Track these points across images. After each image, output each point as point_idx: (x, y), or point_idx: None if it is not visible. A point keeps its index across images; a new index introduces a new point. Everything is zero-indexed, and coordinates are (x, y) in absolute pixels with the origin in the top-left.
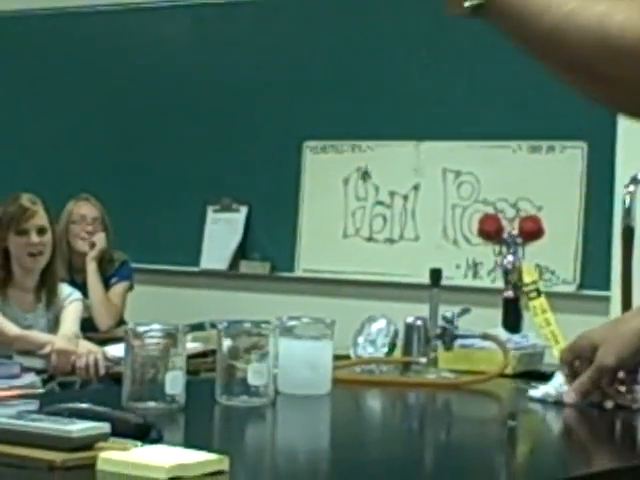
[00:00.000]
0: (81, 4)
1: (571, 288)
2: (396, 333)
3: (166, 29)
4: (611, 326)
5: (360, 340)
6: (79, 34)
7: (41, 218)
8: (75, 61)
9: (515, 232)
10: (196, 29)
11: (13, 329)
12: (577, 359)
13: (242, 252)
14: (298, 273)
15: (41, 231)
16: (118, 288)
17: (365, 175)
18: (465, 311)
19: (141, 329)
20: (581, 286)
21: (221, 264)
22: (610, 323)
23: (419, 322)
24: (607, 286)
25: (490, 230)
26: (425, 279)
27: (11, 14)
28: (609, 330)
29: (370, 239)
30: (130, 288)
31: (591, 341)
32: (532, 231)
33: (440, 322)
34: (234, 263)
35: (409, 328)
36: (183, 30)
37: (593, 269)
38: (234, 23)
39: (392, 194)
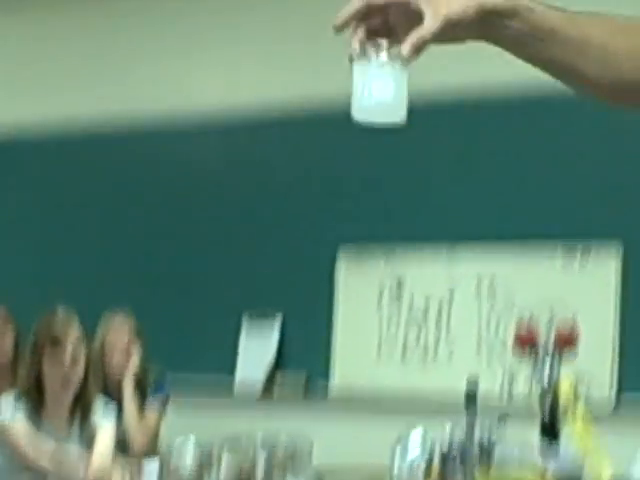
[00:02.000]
0: (111, 127)
1: (609, 395)
2: (433, 445)
3: (195, 140)
4: None
5: (398, 450)
6: (108, 153)
7: (75, 335)
8: (106, 178)
9: (551, 342)
10: (224, 139)
11: (47, 462)
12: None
13: (277, 362)
14: (333, 383)
15: (76, 349)
16: (153, 413)
17: (399, 284)
18: (503, 417)
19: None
20: (620, 392)
21: (256, 373)
22: None
23: (455, 451)
24: None
25: (526, 340)
26: (461, 389)
27: (40, 135)
28: None
29: (405, 350)
30: (166, 401)
31: None
32: (568, 339)
33: (477, 445)
34: (270, 375)
35: (445, 456)
36: (211, 140)
37: (631, 375)
38: (263, 132)
39: (427, 301)
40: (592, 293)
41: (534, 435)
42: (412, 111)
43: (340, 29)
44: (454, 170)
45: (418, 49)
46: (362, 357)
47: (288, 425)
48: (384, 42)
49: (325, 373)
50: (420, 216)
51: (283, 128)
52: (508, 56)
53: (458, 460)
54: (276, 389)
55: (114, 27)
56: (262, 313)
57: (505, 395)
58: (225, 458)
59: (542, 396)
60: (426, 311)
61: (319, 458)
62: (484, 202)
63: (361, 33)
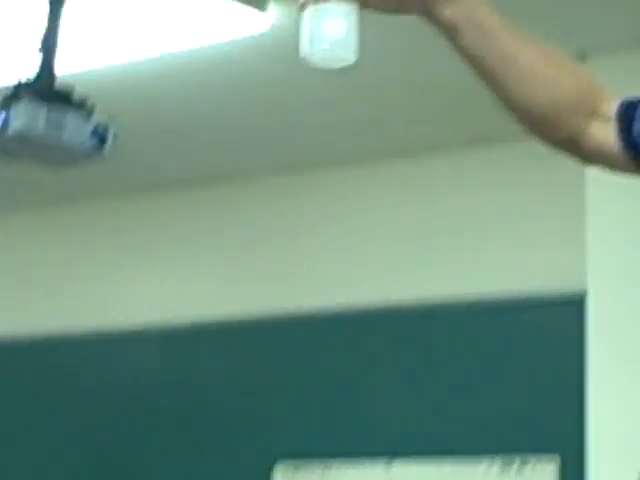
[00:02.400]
0: (57, 331)
1: None
2: None
3: (131, 358)
4: None
5: None
6: (46, 367)
7: None
8: (36, 389)
9: None
10: (161, 359)
11: None
12: None
13: None
14: None
15: None
16: None
17: None
18: None
19: None
20: None
21: None
22: None
23: None
24: None
25: None
26: None
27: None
28: None
29: None
30: None
31: None
32: None
33: None
34: None
35: None
36: (149, 359)
37: None
38: (200, 353)
39: None
40: None
41: None
42: (345, 322)
43: None
44: (390, 382)
45: None
46: None
47: None
48: None
49: None
50: (357, 430)
51: (218, 340)
52: (440, 268)
53: None
54: None
55: (44, 239)
56: None
57: None
58: None
59: None
60: None
61: None
62: (422, 415)
63: None
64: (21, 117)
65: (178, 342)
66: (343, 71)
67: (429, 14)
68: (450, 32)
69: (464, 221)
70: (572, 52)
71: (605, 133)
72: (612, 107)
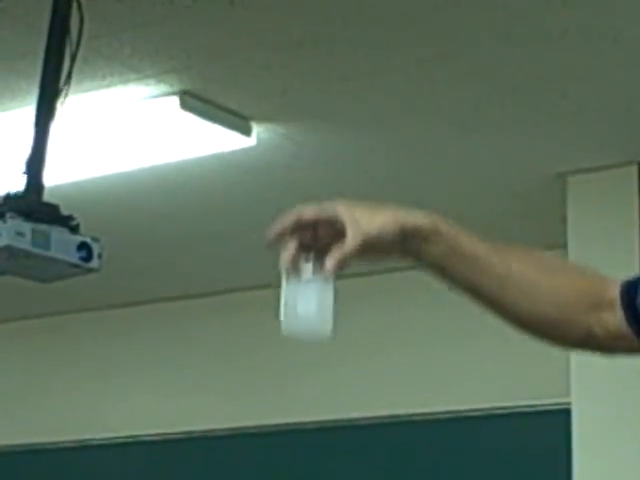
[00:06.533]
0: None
1: None
2: None
3: (120, 464)
4: (367, 206)
5: None
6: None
7: None
8: None
9: None
10: (146, 469)
11: None
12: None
13: None
14: None
15: None
16: None
17: None
18: None
19: None
20: None
21: None
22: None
23: None
24: None
25: None
26: None
27: None
28: (365, 208)
29: None
30: None
31: (350, 212)
32: None
33: None
34: None
35: None
36: (140, 464)
37: None
38: (189, 456)
39: None
40: None
41: None
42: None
43: (272, 243)
44: None
45: (341, 265)
46: None
47: None
48: (310, 259)
49: None
50: None
51: (206, 451)
52: (426, 380)
53: None
54: None
55: (29, 349)
56: None
57: None
58: None
59: None
60: None
61: None
62: None
63: (292, 249)
64: (8, 232)
65: (164, 453)
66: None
67: (412, 256)
68: (437, 270)
69: (448, 334)
70: (553, 174)
71: (615, 321)
72: (615, 292)
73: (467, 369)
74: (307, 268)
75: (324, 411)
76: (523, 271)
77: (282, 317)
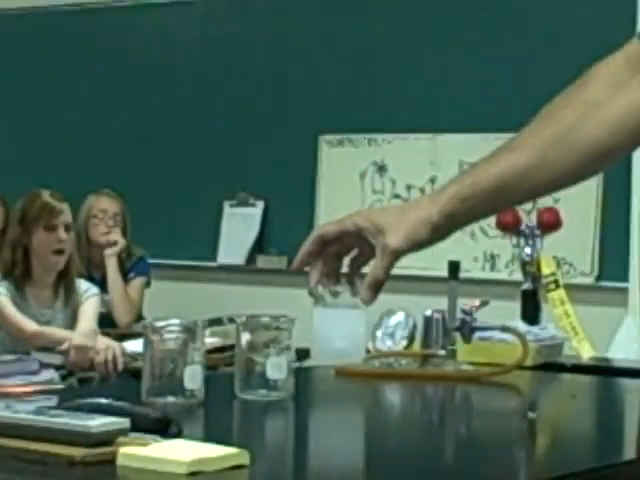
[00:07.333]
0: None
1: (589, 280)
2: (415, 326)
3: (180, 25)
4: (397, 211)
5: (379, 333)
6: (94, 31)
7: (68, 215)
8: (92, 58)
9: (533, 224)
10: (209, 24)
11: (31, 325)
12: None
13: (259, 247)
14: None
15: (67, 228)
16: (136, 283)
17: (381, 169)
18: (484, 303)
19: (159, 324)
20: (599, 278)
21: (238, 259)
22: (395, 209)
23: (437, 315)
24: (625, 277)
25: (508, 222)
26: (443, 272)
27: (25, 12)
28: (395, 215)
29: None
30: (147, 284)
31: (373, 222)
32: (550, 222)
33: (459, 315)
34: (251, 258)
35: (428, 321)
36: (196, 25)
37: (611, 260)
38: (247, 18)
39: (409, 187)
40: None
41: (515, 320)
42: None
43: (299, 268)
44: (436, 59)
45: (376, 290)
46: None
47: (270, 305)
48: (343, 284)
49: None
50: (403, 106)
51: (269, 3)
52: None
53: (440, 334)
54: (257, 272)
55: None
56: (244, 199)
57: (487, 274)
58: (208, 336)
59: (523, 268)
60: (408, 198)
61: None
62: (468, 92)
63: (317, 274)
64: None
65: (227, 12)
66: None
67: (449, 234)
68: (478, 218)
69: None
70: None
71: None
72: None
73: None
74: (337, 297)
75: None
76: (545, 135)
77: (316, 340)
